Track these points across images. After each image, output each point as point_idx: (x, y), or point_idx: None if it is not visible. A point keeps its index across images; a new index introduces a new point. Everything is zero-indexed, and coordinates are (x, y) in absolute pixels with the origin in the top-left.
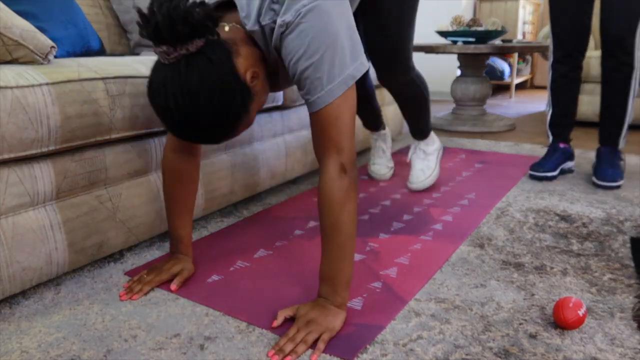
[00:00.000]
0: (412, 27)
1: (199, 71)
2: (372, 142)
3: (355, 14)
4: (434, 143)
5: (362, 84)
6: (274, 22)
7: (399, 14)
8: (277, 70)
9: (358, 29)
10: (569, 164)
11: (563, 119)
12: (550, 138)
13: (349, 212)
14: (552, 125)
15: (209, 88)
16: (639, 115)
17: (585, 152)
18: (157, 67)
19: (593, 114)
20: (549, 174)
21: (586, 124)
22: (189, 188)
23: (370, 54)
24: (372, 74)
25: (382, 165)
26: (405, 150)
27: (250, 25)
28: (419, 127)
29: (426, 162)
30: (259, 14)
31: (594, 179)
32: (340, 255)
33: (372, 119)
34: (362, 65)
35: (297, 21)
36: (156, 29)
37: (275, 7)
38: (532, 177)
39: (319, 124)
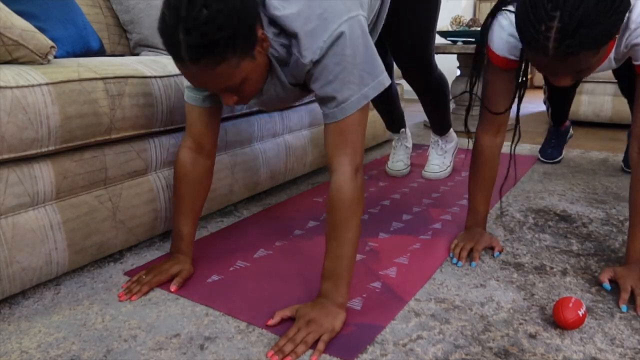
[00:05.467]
0: (433, 32)
1: None
2: (394, 142)
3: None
4: (452, 141)
5: (387, 88)
6: (284, 47)
7: (421, 26)
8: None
9: (381, 40)
10: (569, 134)
11: (560, 112)
12: (552, 123)
13: (357, 212)
14: (553, 116)
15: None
16: (625, 115)
17: (585, 152)
18: None
19: (593, 114)
20: (557, 159)
21: (586, 124)
22: (200, 189)
23: (396, 59)
24: (395, 74)
25: (401, 162)
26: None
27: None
28: (439, 122)
29: (442, 158)
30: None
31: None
32: (345, 253)
33: (396, 121)
34: (381, 84)
35: (319, 59)
36: None
37: (283, 41)
38: (542, 161)
39: (337, 132)
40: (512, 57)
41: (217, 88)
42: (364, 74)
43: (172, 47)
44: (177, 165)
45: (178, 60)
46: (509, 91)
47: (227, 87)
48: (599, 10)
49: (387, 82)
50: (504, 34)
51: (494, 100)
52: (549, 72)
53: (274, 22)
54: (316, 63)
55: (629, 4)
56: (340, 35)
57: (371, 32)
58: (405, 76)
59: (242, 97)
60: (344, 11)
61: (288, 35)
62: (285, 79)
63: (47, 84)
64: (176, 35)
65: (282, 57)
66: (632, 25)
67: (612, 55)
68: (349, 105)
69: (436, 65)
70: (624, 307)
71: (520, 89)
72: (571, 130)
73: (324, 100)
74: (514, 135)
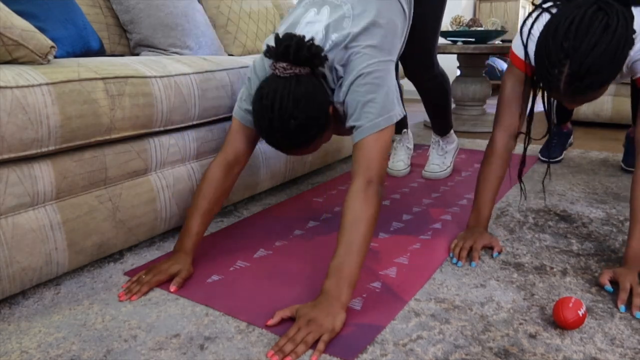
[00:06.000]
0: (437, 34)
1: (305, 87)
2: (396, 142)
3: None
4: (452, 141)
5: None
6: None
7: (428, 24)
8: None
9: None
10: (569, 141)
11: (564, 110)
12: (555, 121)
13: (366, 218)
14: (557, 112)
15: (308, 99)
16: (625, 115)
17: (585, 152)
18: (271, 79)
19: (593, 114)
20: (557, 159)
21: (586, 124)
22: (222, 197)
23: (401, 59)
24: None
25: (402, 162)
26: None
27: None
28: (441, 122)
29: (443, 159)
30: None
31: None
32: (352, 252)
33: (398, 122)
34: (402, 112)
35: (358, 80)
36: (285, 49)
37: (339, 68)
38: (542, 161)
39: (356, 151)
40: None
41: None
42: (381, 109)
43: (271, 144)
44: (210, 170)
45: (277, 148)
46: (527, 94)
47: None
48: (606, 58)
49: (400, 116)
50: (532, 43)
51: (513, 101)
52: (560, 100)
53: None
54: (344, 102)
55: (632, 43)
56: (361, 75)
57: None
58: (407, 72)
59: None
60: (374, 56)
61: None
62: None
63: (47, 84)
64: (274, 137)
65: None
66: (632, 52)
67: None
68: (364, 130)
69: (438, 63)
70: (622, 308)
71: (535, 96)
72: (572, 138)
73: (351, 130)
74: (527, 136)
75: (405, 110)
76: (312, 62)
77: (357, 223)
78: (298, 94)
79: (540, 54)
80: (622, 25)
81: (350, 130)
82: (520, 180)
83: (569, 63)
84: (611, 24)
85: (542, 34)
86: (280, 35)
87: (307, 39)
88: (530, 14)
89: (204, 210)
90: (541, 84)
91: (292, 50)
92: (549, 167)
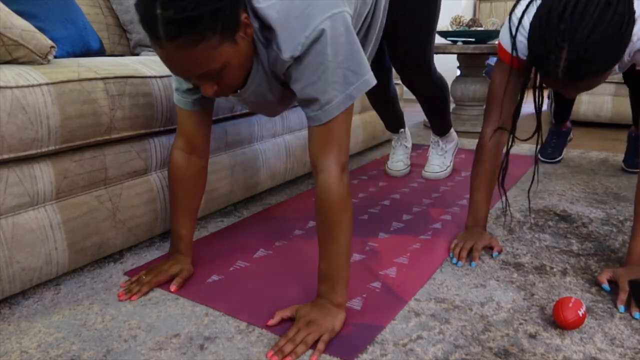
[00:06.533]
0: (433, 35)
1: None
2: (394, 142)
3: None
4: (452, 141)
5: (386, 89)
6: (265, 41)
7: (421, 28)
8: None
9: (379, 43)
10: (569, 137)
11: (564, 109)
12: (554, 121)
13: (347, 210)
14: (555, 113)
15: None
16: (625, 115)
17: (585, 152)
18: None
19: (593, 114)
20: (557, 159)
21: (586, 124)
22: (194, 189)
23: (394, 62)
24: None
25: (401, 162)
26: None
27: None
28: (439, 124)
29: (442, 159)
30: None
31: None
32: (339, 253)
33: (395, 122)
34: (366, 83)
35: (300, 55)
36: None
37: (265, 35)
38: (542, 161)
39: (322, 134)
40: (522, 57)
41: (195, 74)
42: (348, 72)
43: (148, 24)
44: (170, 167)
45: (154, 39)
46: (516, 89)
47: (206, 73)
48: (607, 40)
49: (373, 81)
50: (520, 36)
51: (501, 96)
52: (558, 89)
53: (255, 14)
54: (297, 60)
55: (633, 23)
56: (322, 32)
57: (367, 31)
58: (403, 81)
59: (222, 87)
60: (327, 7)
61: (268, 29)
62: (269, 69)
63: (47, 84)
64: (153, 9)
65: (262, 53)
66: (634, 38)
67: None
68: (333, 106)
69: (435, 69)
70: (621, 308)
71: (524, 92)
72: (571, 134)
73: (306, 102)
74: (538, 138)
75: (402, 110)
76: None
77: (339, 222)
78: None
79: (535, 40)
80: (622, 3)
81: (283, 94)
82: (504, 192)
83: (567, 47)
84: (612, 2)
85: (536, 17)
86: None
87: None
88: (517, 3)
89: (183, 209)
90: (532, 75)
91: None
92: (536, 170)
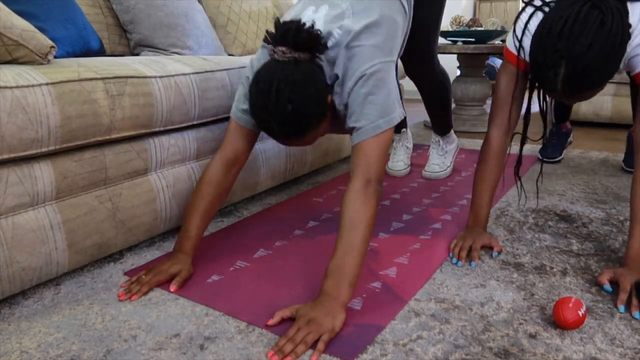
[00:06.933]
0: (438, 28)
1: (304, 71)
2: (395, 142)
3: None
4: (452, 141)
5: None
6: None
7: (429, 20)
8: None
9: None
10: (569, 140)
11: (564, 108)
12: (554, 121)
13: (365, 217)
14: (555, 112)
15: (306, 83)
16: (625, 115)
17: (585, 152)
18: (269, 63)
19: (593, 114)
20: (557, 159)
21: (586, 124)
22: (221, 197)
23: (401, 57)
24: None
25: (402, 162)
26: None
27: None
28: (441, 121)
29: (443, 158)
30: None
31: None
32: (351, 252)
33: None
34: (402, 114)
35: (360, 81)
36: (285, 32)
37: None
38: (542, 161)
39: (355, 152)
40: (528, 59)
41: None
42: (381, 111)
43: (266, 130)
44: (209, 170)
45: (273, 137)
46: (521, 90)
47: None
48: (602, 57)
49: (400, 118)
50: (526, 39)
51: (507, 98)
52: (558, 99)
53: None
54: (346, 105)
55: (628, 37)
56: (363, 76)
57: (403, 39)
58: (407, 71)
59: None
60: (376, 56)
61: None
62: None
63: (47, 84)
64: (268, 123)
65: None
66: (628, 48)
67: None
68: (364, 131)
69: (438, 61)
70: (621, 308)
71: (531, 94)
72: (571, 137)
73: (351, 130)
74: (543, 135)
75: (405, 110)
76: (311, 47)
77: (356, 223)
78: (296, 77)
79: (536, 55)
80: (617, 22)
81: (349, 130)
82: (519, 179)
83: (565, 64)
84: (606, 21)
85: (536, 34)
86: None
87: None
88: (523, 10)
89: (203, 211)
90: (537, 84)
91: (292, 34)
92: (542, 167)
